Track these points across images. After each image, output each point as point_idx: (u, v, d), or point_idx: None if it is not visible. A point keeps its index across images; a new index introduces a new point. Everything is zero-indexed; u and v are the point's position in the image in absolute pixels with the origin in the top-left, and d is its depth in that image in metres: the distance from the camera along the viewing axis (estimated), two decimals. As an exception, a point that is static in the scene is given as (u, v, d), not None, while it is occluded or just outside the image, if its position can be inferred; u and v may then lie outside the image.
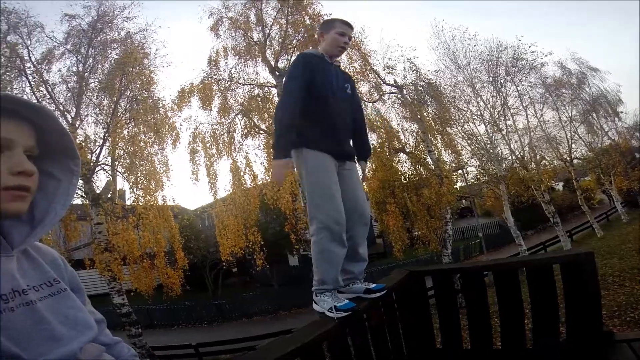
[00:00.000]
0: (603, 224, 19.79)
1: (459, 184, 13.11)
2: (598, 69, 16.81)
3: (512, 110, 12.87)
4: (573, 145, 15.91)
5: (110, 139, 9.17)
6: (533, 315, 1.76)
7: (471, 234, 25.71)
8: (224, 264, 12.53)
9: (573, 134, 15.94)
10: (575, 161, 16.61)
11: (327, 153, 1.61)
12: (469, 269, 2.21)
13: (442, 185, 8.05)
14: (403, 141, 9.95)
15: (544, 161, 14.55)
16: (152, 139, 9.71)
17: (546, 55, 13.10)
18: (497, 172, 11.27)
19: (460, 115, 12.05)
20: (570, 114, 15.64)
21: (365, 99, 10.50)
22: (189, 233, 15.93)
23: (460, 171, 12.07)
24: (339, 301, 1.50)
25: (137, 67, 9.56)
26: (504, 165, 11.93)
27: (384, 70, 10.53)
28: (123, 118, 9.80)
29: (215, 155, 9.49)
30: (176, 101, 10.05)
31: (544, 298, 1.72)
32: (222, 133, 9.62)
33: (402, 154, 9.30)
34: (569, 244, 13.85)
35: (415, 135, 9.79)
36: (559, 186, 24.95)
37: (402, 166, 9.10)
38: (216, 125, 9.76)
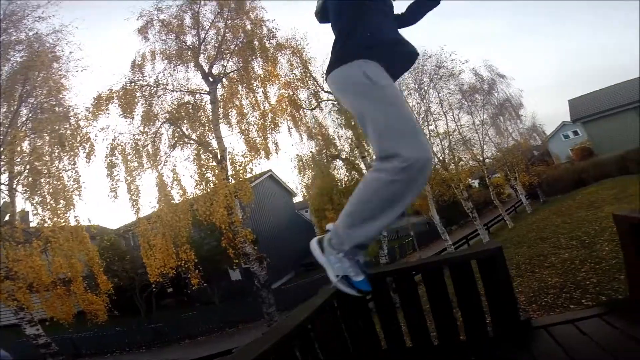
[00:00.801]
0: (512, 215, 22.78)
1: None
2: (505, 76, 19.38)
3: (434, 116, 14.21)
4: (485, 147, 18.10)
5: (5, 154, 7.91)
6: (461, 310, 1.86)
7: (405, 232, 27.73)
8: (154, 285, 11.54)
9: (484, 136, 18.11)
10: (487, 160, 18.91)
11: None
12: (402, 269, 2.23)
13: None
14: (339, 147, 10.29)
15: (461, 162, 16.30)
16: (59, 153, 8.58)
17: (463, 63, 14.66)
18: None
19: None
20: (482, 118, 17.74)
21: (304, 106, 10.61)
22: (112, 254, 14.90)
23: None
24: (357, 274, 1.24)
25: (44, 72, 8.44)
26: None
27: (323, 77, 10.74)
28: (24, 128, 8.56)
29: (138, 169, 8.71)
30: (91, 109, 8.99)
31: (468, 292, 1.81)
32: (146, 144, 8.86)
33: (338, 160, 9.61)
34: (487, 236, 15.65)
35: (350, 141, 10.20)
36: (475, 183, 28.09)
37: (338, 172, 9.40)
38: (139, 135, 8.96)
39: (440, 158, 14.18)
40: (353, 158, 9.63)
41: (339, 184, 8.79)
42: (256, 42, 9.57)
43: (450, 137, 14.69)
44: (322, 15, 1.44)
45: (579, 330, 1.66)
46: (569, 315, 2.13)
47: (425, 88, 14.06)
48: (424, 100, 13.89)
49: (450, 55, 14.18)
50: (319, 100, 10.81)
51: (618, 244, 8.94)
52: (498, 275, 1.76)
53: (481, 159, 17.52)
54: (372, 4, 1.25)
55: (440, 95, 14.78)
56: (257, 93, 9.80)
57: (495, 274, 1.77)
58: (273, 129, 9.46)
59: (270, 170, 22.16)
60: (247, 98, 9.80)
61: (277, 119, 9.52)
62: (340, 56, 1.23)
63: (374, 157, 1.21)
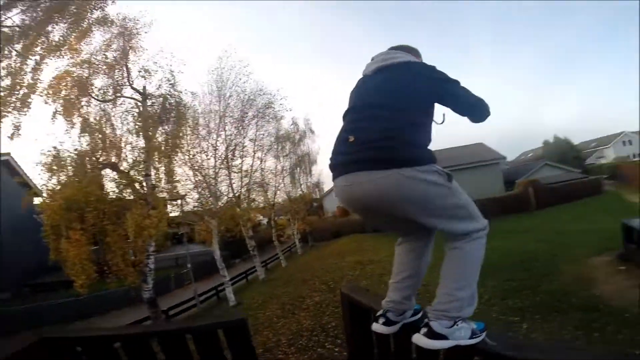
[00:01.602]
0: (287, 255, 25.97)
1: (174, 213, 12.94)
2: (314, 132, 22.60)
3: (243, 152, 14.48)
4: (278, 192, 20.19)
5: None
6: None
7: (184, 261, 25.86)
8: None
9: (281, 182, 20.27)
10: (276, 205, 21.09)
11: None
12: (135, 335, 1.84)
13: (148, 218, 7.31)
14: (122, 156, 8.51)
15: (254, 202, 17.34)
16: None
17: (288, 111, 16.01)
18: (213, 207, 12.14)
19: (196, 144, 12.23)
20: (283, 165, 19.84)
21: (94, 95, 8.34)
22: None
23: (179, 201, 12.01)
24: (474, 321, 1.30)
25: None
26: (222, 202, 13.06)
27: (140, 72, 8.95)
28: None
29: None
30: None
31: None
32: None
33: (111, 170, 7.80)
34: (263, 274, 16.89)
35: (137, 152, 8.63)
36: (265, 221, 30.59)
37: (104, 186, 7.51)
38: None
39: (237, 194, 14.52)
40: (134, 173, 8.10)
41: (97, 200, 6.88)
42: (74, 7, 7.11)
43: (251, 176, 15.41)
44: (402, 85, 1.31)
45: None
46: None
47: (247, 122, 14.18)
48: (241, 132, 14.02)
49: (282, 99, 14.96)
50: (119, 95, 8.81)
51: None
52: (243, 346, 1.77)
53: (272, 202, 19.31)
54: None
55: (257, 133, 15.28)
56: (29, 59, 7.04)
57: (240, 344, 1.76)
58: (20, 108, 6.78)
59: (9, 154, 15.68)
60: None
61: (31, 97, 6.93)
62: (421, 159, 1.20)
63: (459, 234, 1.28)
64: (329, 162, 1.33)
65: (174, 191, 10.77)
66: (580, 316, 6.37)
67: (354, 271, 13.22)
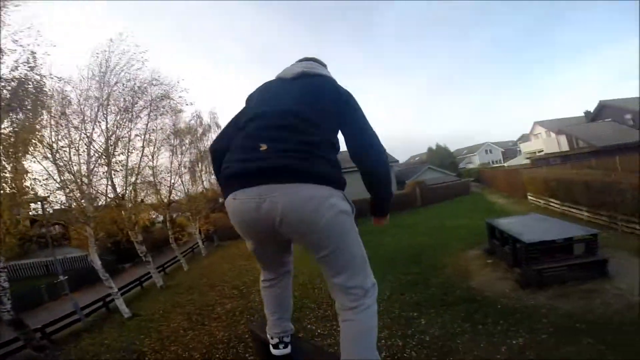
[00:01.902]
0: (189, 257, 23.49)
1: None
2: (220, 126, 20.73)
3: (129, 146, 12.16)
4: (174, 191, 17.91)
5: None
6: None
7: (66, 266, 20.93)
8: None
9: (177, 179, 18.04)
10: (172, 205, 18.75)
11: None
12: None
13: None
14: None
15: (143, 202, 14.95)
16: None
17: (188, 104, 14.32)
18: (87, 211, 9.75)
19: (64, 136, 9.56)
20: (181, 161, 17.71)
21: None
22: None
23: (37, 203, 9.24)
24: None
25: None
26: (98, 203, 10.69)
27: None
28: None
29: None
30: None
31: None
32: None
33: None
34: (161, 280, 14.67)
35: None
36: (159, 220, 27.12)
37: None
38: None
39: (120, 194, 12.11)
40: None
41: None
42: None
43: (138, 173, 13.07)
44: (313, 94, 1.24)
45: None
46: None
47: (136, 113, 12.10)
48: (127, 124, 11.71)
49: (182, 91, 13.57)
50: None
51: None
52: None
53: (166, 201, 17.04)
54: None
55: (149, 125, 13.30)
56: None
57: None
58: None
59: None
60: None
61: None
62: (338, 180, 1.14)
63: (348, 294, 1.15)
64: (224, 170, 1.14)
65: (27, 193, 8.25)
66: (466, 308, 7.36)
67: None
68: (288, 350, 1.48)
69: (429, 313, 7.31)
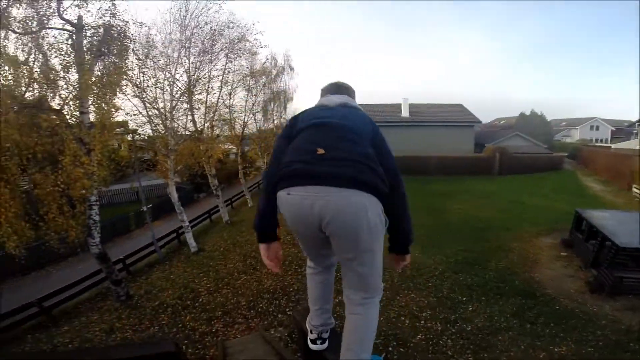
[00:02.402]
0: (255, 192, 25.46)
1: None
2: (294, 69, 20.62)
3: (208, 85, 12.83)
4: (247, 128, 18.90)
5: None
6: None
7: (153, 194, 24.57)
8: None
9: (251, 117, 18.87)
10: (244, 140, 20.01)
11: None
12: None
13: (80, 165, 6.17)
14: (55, 93, 6.77)
15: (219, 137, 16.13)
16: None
17: (262, 47, 14.38)
18: (169, 144, 10.91)
19: (151, 75, 10.39)
20: (255, 100, 18.35)
21: (13, 26, 6.24)
22: None
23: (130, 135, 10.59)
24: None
25: None
26: (180, 138, 11.78)
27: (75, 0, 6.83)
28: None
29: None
30: None
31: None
32: None
33: (38, 110, 6.18)
34: (227, 215, 16.37)
35: (72, 88, 6.91)
36: (234, 151, 29.33)
37: (29, 129, 5.95)
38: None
39: (199, 129, 13.16)
40: (68, 111, 6.55)
41: (20, 145, 5.46)
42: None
43: (217, 111, 13.90)
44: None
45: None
46: None
47: (216, 53, 12.53)
48: (207, 65, 12.35)
49: (257, 34, 13.87)
50: (47, 26, 6.53)
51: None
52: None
53: (240, 136, 18.16)
54: None
55: (226, 66, 13.69)
56: None
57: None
58: None
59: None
60: None
61: None
62: (382, 189, 1.21)
63: (363, 292, 1.31)
64: (284, 168, 1.23)
65: (119, 127, 9.38)
66: (519, 302, 6.87)
67: None
68: (325, 346, 1.60)
69: (479, 300, 7.01)
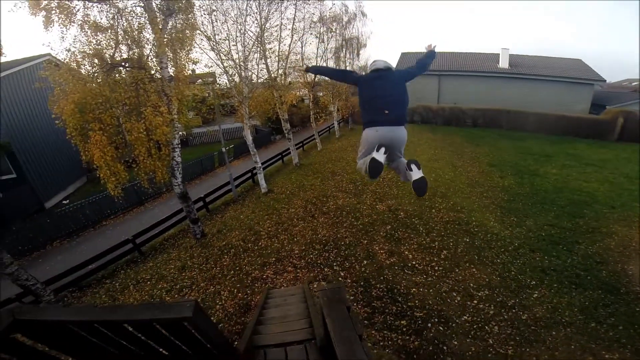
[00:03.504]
0: (325, 136, 25.55)
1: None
2: (366, 15, 19.50)
3: (280, 34, 12.58)
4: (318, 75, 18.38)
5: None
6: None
7: (231, 135, 26.85)
8: None
9: (323, 63, 18.25)
10: (316, 87, 19.67)
11: None
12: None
13: (160, 115, 6.82)
14: (134, 52, 7.34)
15: (291, 84, 16.09)
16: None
17: None
18: (244, 92, 11.38)
19: (223, 29, 10.49)
20: (327, 47, 17.62)
21: None
22: None
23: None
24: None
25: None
26: (253, 86, 12.07)
27: None
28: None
29: None
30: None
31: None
32: None
33: (123, 68, 6.86)
34: (297, 157, 17.00)
35: (150, 47, 7.40)
36: (308, 97, 29.40)
37: (117, 85, 6.72)
38: None
39: (273, 76, 13.30)
40: (148, 67, 7.10)
41: (110, 100, 6.29)
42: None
43: (288, 59, 13.70)
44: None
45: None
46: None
47: (285, 3, 12.25)
48: (279, 15, 12.13)
49: None
50: None
51: (379, 196, 10.32)
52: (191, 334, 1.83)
53: (312, 84, 17.88)
54: None
55: (297, 14, 13.29)
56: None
57: (184, 335, 1.85)
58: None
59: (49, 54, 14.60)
60: None
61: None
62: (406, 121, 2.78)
63: (409, 163, 2.58)
64: (367, 118, 2.68)
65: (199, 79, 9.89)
66: (596, 296, 5.86)
67: (387, 173, 11.92)
68: (385, 157, 2.51)
69: (550, 287, 6.15)
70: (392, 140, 2.57)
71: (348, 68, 20.38)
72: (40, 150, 14.30)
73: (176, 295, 6.77)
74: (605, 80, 23.56)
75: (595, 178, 11.95)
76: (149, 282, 7.63)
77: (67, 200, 14.93)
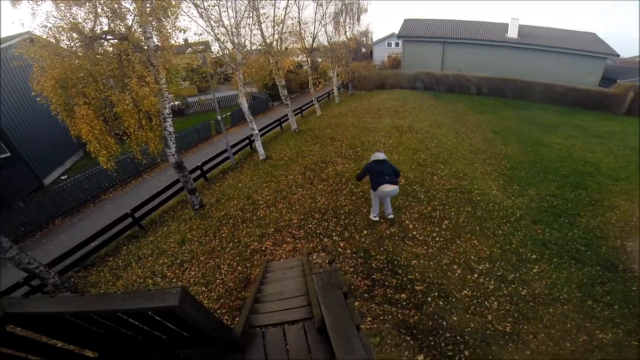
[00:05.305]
0: (324, 102, 24.90)
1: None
2: None
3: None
4: (317, 39, 17.50)
5: None
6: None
7: (228, 103, 26.09)
8: None
9: (321, 27, 17.30)
10: (314, 52, 18.72)
11: None
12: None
13: (146, 85, 6.43)
14: (111, 26, 6.71)
15: (287, 50, 15.26)
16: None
17: None
18: (238, 60, 10.72)
19: None
20: (325, 11, 16.54)
21: None
22: None
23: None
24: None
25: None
26: (247, 53, 11.39)
27: None
28: None
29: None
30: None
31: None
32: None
33: (104, 40, 6.29)
34: (295, 123, 16.59)
35: (132, 16, 6.76)
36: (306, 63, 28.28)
37: (98, 58, 6.21)
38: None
39: (268, 42, 12.50)
40: (133, 38, 6.49)
41: (93, 73, 5.84)
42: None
43: (284, 24, 12.83)
44: None
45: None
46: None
47: None
48: None
49: None
50: None
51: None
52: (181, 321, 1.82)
53: (309, 49, 16.99)
54: None
55: None
56: None
57: (176, 321, 1.85)
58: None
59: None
60: None
61: None
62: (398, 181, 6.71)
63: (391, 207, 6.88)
64: (376, 181, 6.28)
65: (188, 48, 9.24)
66: (594, 273, 5.86)
67: (388, 139, 12.06)
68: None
69: (550, 261, 6.12)
70: (389, 193, 6.25)
71: (348, 34, 19.39)
72: (33, 127, 14.00)
73: (177, 271, 6.77)
74: (619, 55, 23.15)
75: (600, 149, 11.71)
76: (150, 258, 7.63)
77: (65, 176, 14.80)
